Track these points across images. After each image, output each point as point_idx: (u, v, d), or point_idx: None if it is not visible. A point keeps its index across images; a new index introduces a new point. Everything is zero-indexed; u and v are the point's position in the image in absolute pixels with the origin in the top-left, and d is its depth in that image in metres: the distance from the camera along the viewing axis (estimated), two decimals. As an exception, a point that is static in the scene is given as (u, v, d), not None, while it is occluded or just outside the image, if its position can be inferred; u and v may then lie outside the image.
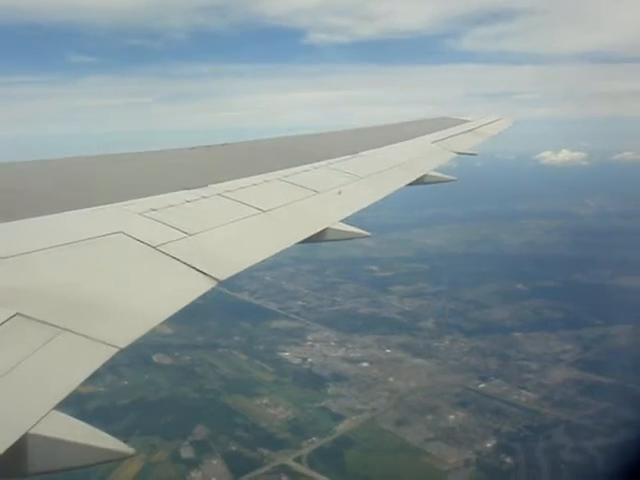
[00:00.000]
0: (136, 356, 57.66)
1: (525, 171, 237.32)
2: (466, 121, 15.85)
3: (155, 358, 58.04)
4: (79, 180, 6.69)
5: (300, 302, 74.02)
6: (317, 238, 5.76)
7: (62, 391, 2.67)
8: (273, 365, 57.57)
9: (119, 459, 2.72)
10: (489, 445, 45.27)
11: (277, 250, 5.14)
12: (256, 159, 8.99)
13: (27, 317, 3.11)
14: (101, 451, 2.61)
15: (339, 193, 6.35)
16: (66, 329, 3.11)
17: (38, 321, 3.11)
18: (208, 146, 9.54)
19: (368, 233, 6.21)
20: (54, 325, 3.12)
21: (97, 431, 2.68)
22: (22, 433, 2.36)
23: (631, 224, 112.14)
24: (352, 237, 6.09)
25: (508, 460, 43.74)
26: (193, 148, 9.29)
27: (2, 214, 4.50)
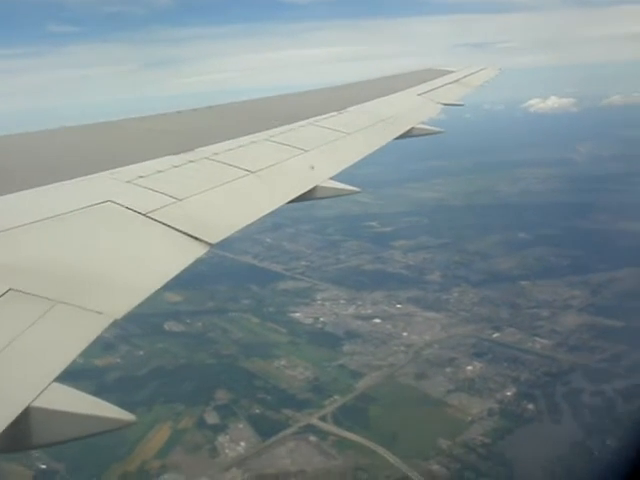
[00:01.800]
0: (147, 325, 57.72)
1: (515, 120, 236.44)
2: (451, 72, 15.76)
3: (167, 326, 58.01)
4: (63, 151, 6.66)
5: (304, 262, 73.84)
6: (307, 196, 5.79)
7: (61, 363, 2.71)
8: (286, 326, 57.57)
9: (121, 427, 2.67)
10: (509, 393, 45.75)
11: (268, 210, 5.18)
12: (242, 120, 8.99)
13: (20, 292, 3.12)
14: (103, 420, 2.61)
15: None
16: (61, 302, 3.12)
17: (32, 295, 3.12)
18: (193, 110, 9.50)
19: (358, 189, 6.26)
20: (48, 298, 3.12)
21: (98, 401, 2.69)
22: (24, 407, 2.39)
23: (625, 167, 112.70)
24: (342, 194, 6.15)
25: (530, 407, 44.25)
26: (178, 112, 9.21)
27: None
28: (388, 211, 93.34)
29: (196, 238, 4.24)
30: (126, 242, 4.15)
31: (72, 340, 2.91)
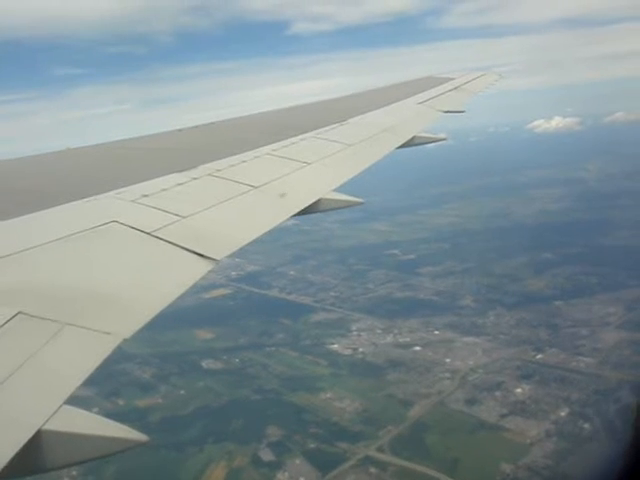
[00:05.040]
0: (184, 364, 57.59)
1: (520, 141, 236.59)
2: (451, 79, 15.44)
3: (204, 364, 57.52)
4: (68, 172, 6.65)
5: (332, 293, 73.30)
6: (312, 209, 5.76)
7: (71, 385, 2.72)
8: (325, 359, 57.12)
9: (133, 447, 2.66)
10: (563, 414, 45.46)
11: (273, 225, 5.18)
12: (244, 135, 8.93)
13: (29, 315, 3.13)
14: (116, 440, 2.61)
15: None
16: (69, 323, 3.14)
17: (41, 318, 3.14)
18: (195, 126, 9.52)
19: (362, 200, 6.20)
20: (57, 321, 3.14)
21: (109, 421, 2.69)
22: (35, 430, 2.39)
23: (635, 184, 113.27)
24: (346, 205, 6.09)
25: (586, 426, 43.91)
26: (180, 130, 9.22)
27: None
28: (407, 238, 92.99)
29: (202, 255, 4.24)
30: (132, 262, 4.16)
31: (82, 361, 2.93)
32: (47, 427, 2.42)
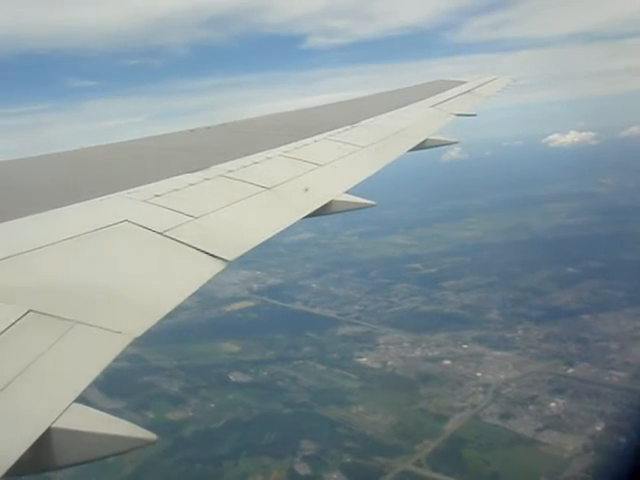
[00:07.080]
0: (212, 377, 57.54)
1: (535, 155, 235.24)
2: (463, 82, 15.57)
3: (232, 377, 57.42)
4: (80, 172, 6.69)
5: (357, 306, 73.06)
6: (323, 211, 5.79)
7: (81, 383, 2.75)
8: (355, 372, 56.94)
9: (143, 446, 2.70)
10: (599, 428, 45.25)
11: (284, 226, 5.21)
12: (256, 137, 8.97)
13: (40, 313, 3.15)
14: (125, 439, 2.65)
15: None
16: (80, 322, 3.16)
17: (51, 316, 3.16)
18: (207, 127, 9.54)
19: (374, 202, 6.21)
20: (67, 319, 3.16)
21: (120, 420, 2.72)
22: (45, 428, 2.42)
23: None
24: (358, 207, 6.13)
25: (623, 440, 43.56)
26: (192, 130, 9.26)
27: (5, 212, 4.46)
28: (427, 252, 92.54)
29: (213, 255, 4.27)
30: (143, 261, 4.19)
31: (92, 360, 2.96)
32: (57, 425, 2.46)
